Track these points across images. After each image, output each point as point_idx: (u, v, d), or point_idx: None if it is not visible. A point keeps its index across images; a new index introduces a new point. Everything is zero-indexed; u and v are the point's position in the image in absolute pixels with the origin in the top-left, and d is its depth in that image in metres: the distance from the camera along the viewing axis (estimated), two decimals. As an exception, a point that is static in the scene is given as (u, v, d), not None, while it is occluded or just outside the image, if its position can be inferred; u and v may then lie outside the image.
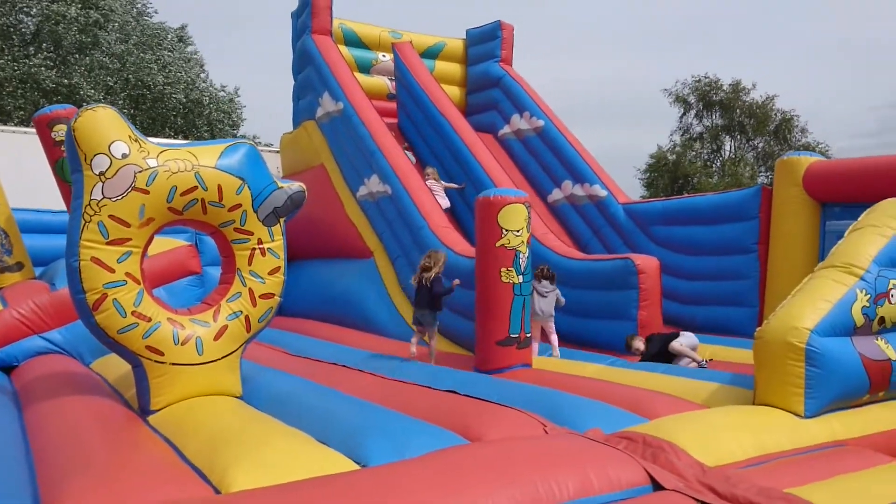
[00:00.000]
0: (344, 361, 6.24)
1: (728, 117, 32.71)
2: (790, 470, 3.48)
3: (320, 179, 10.32)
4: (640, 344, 6.77)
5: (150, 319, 4.14)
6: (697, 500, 3.01)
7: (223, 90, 27.30)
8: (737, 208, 8.54)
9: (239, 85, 36.21)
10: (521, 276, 6.23)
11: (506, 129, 11.87)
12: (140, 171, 3.97)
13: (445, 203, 9.90)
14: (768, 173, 31.30)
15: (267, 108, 44.81)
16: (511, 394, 4.68)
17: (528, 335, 6.37)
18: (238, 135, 27.17)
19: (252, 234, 4.39)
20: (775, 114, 31.99)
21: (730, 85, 32.12)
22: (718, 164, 33.59)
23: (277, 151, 13.22)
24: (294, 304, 9.32)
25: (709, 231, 8.85)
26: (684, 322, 8.62)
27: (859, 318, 4.36)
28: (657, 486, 3.11)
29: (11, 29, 23.95)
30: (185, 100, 25.33)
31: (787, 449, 3.83)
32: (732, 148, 33.76)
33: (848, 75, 50.61)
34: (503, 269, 6.16)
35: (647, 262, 7.31)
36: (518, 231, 6.20)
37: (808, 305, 4.32)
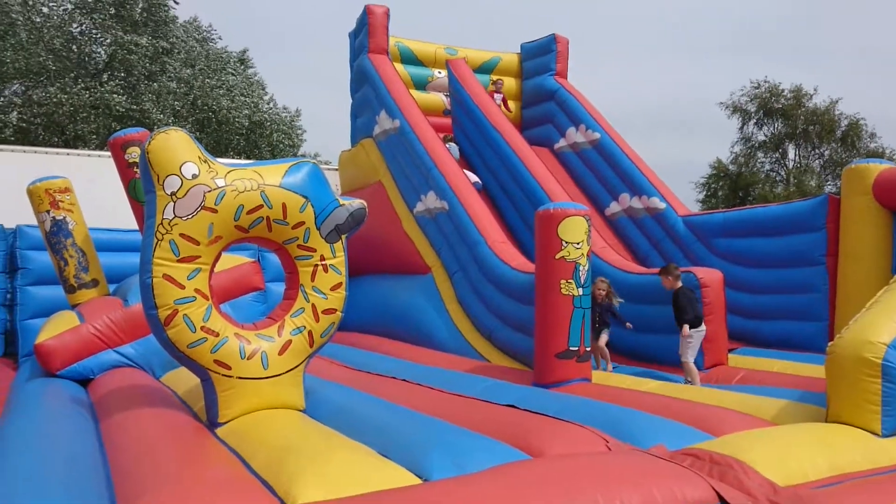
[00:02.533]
0: (403, 376, 6.29)
1: (791, 125, 31.73)
2: (866, 491, 3.34)
3: (378, 196, 10.47)
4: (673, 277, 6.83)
5: (218, 334, 4.27)
6: (768, 520, 2.92)
7: (285, 111, 28.07)
8: (803, 219, 8.27)
9: (297, 104, 37.11)
10: (580, 289, 6.19)
11: (562, 143, 11.83)
12: (209, 191, 4.13)
13: (474, 178, 10.37)
14: (836, 181, 30.19)
15: (325, 126, 45.81)
16: (571, 408, 4.64)
17: (588, 349, 6.31)
18: (297, 154, 27.86)
19: (315, 250, 4.50)
20: (841, 119, 30.83)
21: (790, 91, 31.15)
22: (783, 173, 32.59)
23: (336, 169, 13.49)
24: (352, 318, 9.42)
25: (774, 243, 8.60)
26: (749, 337, 8.38)
27: (939, 333, 4.16)
28: (725, 505, 3.03)
29: (86, 59, 25.23)
30: (247, 122, 26.15)
31: (864, 469, 3.67)
32: (797, 156, 32.71)
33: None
34: (563, 282, 6.13)
35: (710, 275, 7.15)
36: (578, 244, 6.17)
37: (883, 319, 4.15)
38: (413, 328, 9.29)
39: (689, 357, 6.56)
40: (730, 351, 7.47)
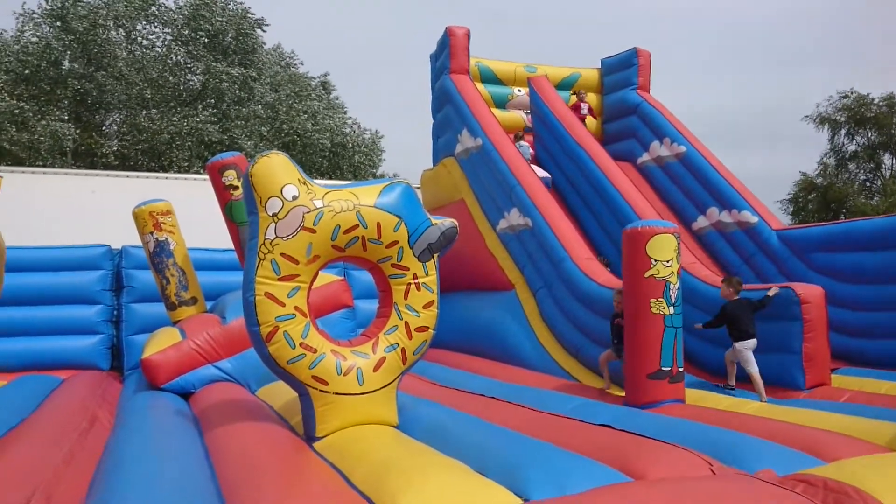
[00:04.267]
0: (492, 393, 6.28)
1: (885, 133, 30.07)
2: None
3: (461, 214, 10.54)
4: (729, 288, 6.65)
5: (315, 351, 4.39)
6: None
7: (366, 132, 28.76)
8: (910, 231, 7.80)
9: (376, 126, 37.91)
10: (671, 308, 6.04)
11: (645, 157, 11.61)
12: (308, 212, 4.27)
13: (543, 173, 10.44)
14: (941, 192, 28.34)
15: (403, 147, 46.58)
16: (669, 430, 4.51)
17: (681, 369, 6.13)
18: (377, 174, 28.42)
19: (408, 269, 4.57)
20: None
21: (882, 99, 29.55)
22: (878, 184, 30.87)
23: (417, 188, 13.70)
24: (437, 336, 9.50)
25: (877, 257, 8.13)
26: (853, 356, 7.94)
27: None
28: (845, 535, 2.88)
29: (181, 88, 26.64)
30: (330, 145, 26.92)
31: None
32: (894, 166, 30.95)
33: None
34: (653, 301, 6.00)
35: (810, 291, 6.83)
36: (668, 261, 6.04)
37: None
38: (498, 345, 9.27)
39: (752, 368, 6.38)
40: (833, 371, 7.09)
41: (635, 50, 12.47)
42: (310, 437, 4.46)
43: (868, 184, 30.95)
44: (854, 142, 30.99)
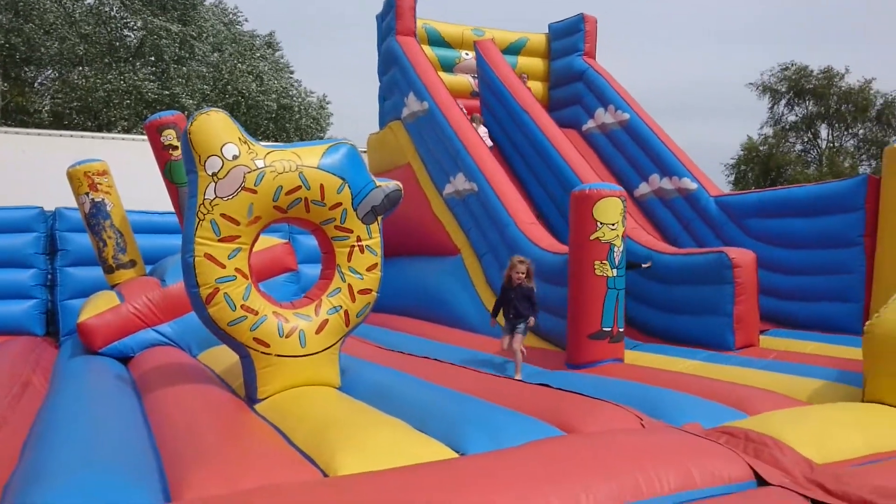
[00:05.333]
0: (437, 356, 6.37)
1: (823, 105, 31.12)
2: (905, 469, 3.33)
3: (407, 178, 10.49)
4: None
5: (257, 313, 4.36)
6: (805, 496, 2.93)
7: (312, 96, 28.19)
8: (841, 199, 8.12)
9: (324, 89, 37.19)
10: (614, 270, 6.20)
11: (590, 124, 11.74)
12: (249, 172, 4.20)
13: (489, 142, 10.68)
14: (871, 161, 29.57)
15: (350, 110, 45.92)
16: (604, 388, 4.67)
17: (621, 329, 6.32)
18: (325, 138, 28.00)
19: (351, 231, 4.56)
20: (876, 98, 30.15)
21: (821, 71, 30.53)
22: (815, 154, 32.01)
23: (364, 151, 13.55)
24: (382, 300, 9.52)
25: (809, 223, 8.47)
26: (784, 319, 8.30)
27: (981, 312, 4.12)
28: (762, 482, 3.05)
29: (117, 44, 25.54)
30: (276, 107, 26.31)
31: (902, 448, 3.65)
32: (830, 137, 32.08)
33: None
34: (597, 263, 6.15)
35: (742, 256, 7.08)
36: (613, 224, 6.17)
37: (923, 299, 4.11)
38: (443, 310, 9.36)
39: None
40: (762, 332, 7.41)
41: (582, 16, 12.49)
42: (251, 400, 4.46)
43: (805, 154, 32.06)
44: (794, 112, 31.99)
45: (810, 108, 31.31)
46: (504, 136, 11.08)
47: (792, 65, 30.81)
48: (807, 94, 30.96)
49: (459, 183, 9.57)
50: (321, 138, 27.41)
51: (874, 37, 50.63)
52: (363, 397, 4.44)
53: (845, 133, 31.56)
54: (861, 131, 31.07)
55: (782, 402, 4.44)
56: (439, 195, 10.13)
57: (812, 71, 30.59)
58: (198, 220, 4.18)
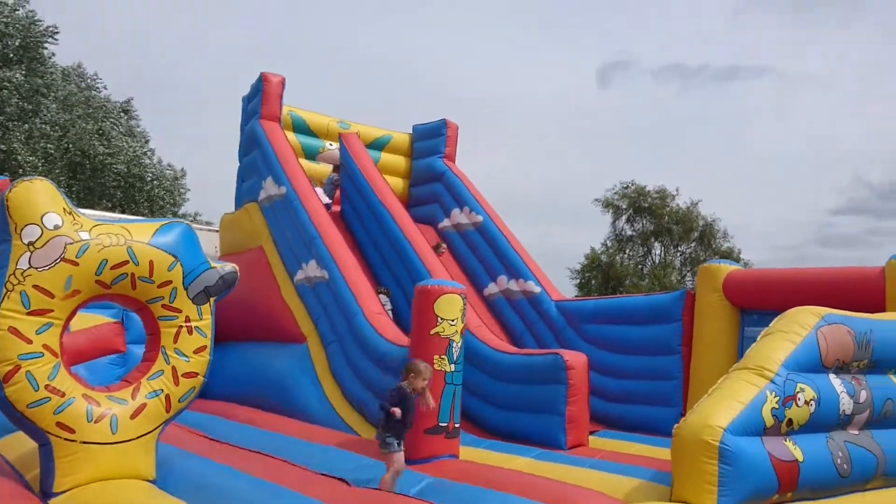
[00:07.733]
0: (267, 447, 6.07)
1: (657, 223, 34.30)
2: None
3: (258, 261, 10.27)
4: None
5: (63, 394, 4.01)
6: None
7: (169, 168, 27.17)
8: (663, 310, 8.87)
9: (183, 161, 36.10)
10: (452, 365, 6.29)
11: (446, 223, 12.18)
12: (71, 243, 3.96)
13: (326, 200, 11.13)
14: (694, 278, 32.57)
15: (209, 186, 44.64)
16: (433, 489, 4.65)
17: (457, 425, 6.36)
18: (179, 213, 26.89)
19: (180, 311, 4.37)
20: (698, 219, 33.69)
21: (656, 191, 33.85)
22: (649, 266, 34.88)
23: (217, 231, 13.15)
24: (222, 386, 9.04)
25: (637, 331, 9.13)
26: (613, 420, 8.74)
27: (769, 419, 4.56)
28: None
29: (-50, 91, 23.54)
30: (125, 171, 25.00)
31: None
32: (661, 252, 35.21)
33: (774, 188, 54.66)
34: (436, 357, 6.22)
35: (575, 358, 7.46)
36: (453, 321, 6.32)
37: (722, 405, 4.50)
38: (285, 398, 9.00)
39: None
40: (592, 433, 7.74)
41: (444, 121, 13.18)
42: (45, 494, 4.02)
43: (640, 266, 34.86)
44: (633, 228, 34.95)
45: (646, 225, 34.43)
46: (362, 229, 11.21)
47: (632, 184, 34.00)
48: (644, 211, 34.11)
49: (311, 270, 9.48)
50: (175, 213, 26.39)
51: (702, 160, 57.23)
52: (180, 493, 4.14)
53: (674, 250, 34.87)
54: (687, 249, 34.47)
55: (602, 501, 4.62)
56: (290, 281, 9.95)
57: (649, 190, 33.85)
58: (6, 290, 3.85)
